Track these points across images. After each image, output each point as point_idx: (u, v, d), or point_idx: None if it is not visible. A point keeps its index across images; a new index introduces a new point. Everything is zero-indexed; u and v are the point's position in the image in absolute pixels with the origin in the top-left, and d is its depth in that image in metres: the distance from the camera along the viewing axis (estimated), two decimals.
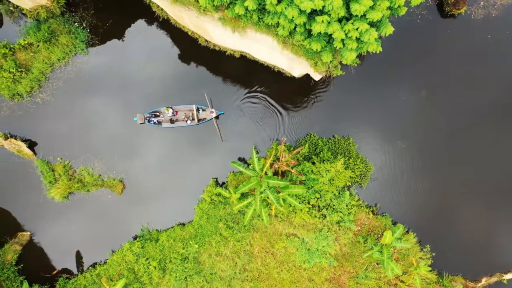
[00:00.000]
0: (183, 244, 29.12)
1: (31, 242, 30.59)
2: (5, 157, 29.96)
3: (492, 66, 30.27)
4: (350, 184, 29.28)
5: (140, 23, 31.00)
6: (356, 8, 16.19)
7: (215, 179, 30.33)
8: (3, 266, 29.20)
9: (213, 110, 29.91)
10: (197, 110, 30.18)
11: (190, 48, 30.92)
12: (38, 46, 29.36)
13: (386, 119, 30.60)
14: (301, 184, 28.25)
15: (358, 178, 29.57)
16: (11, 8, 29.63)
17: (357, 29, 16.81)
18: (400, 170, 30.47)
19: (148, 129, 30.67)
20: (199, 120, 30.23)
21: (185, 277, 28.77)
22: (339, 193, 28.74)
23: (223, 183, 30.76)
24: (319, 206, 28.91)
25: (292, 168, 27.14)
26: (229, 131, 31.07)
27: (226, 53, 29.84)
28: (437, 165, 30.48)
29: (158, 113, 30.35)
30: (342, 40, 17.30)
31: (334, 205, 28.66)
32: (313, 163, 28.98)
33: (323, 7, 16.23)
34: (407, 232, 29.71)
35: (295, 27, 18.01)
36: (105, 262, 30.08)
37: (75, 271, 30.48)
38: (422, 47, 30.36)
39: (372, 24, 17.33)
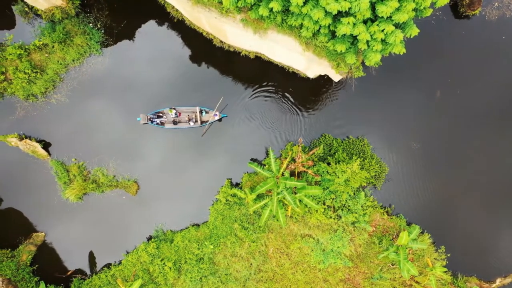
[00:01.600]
0: (198, 244, 29.14)
1: (45, 242, 30.60)
2: (20, 158, 29.93)
3: (507, 67, 30.27)
4: (365, 185, 29.29)
5: (155, 24, 31.01)
6: (382, 10, 16.20)
7: (229, 180, 30.31)
8: (18, 267, 29.22)
9: (216, 113, 29.91)
10: (200, 112, 30.13)
11: (204, 48, 30.93)
12: (53, 47, 29.36)
13: (400, 120, 30.62)
14: (317, 185, 28.29)
15: (372, 179, 29.57)
16: (26, 9, 29.64)
17: (382, 30, 16.84)
18: (414, 170, 30.48)
19: (162, 131, 30.65)
20: (202, 122, 30.18)
21: (200, 278, 28.79)
22: (354, 194, 28.75)
23: (237, 183, 30.77)
24: (334, 207, 28.93)
25: (307, 168, 27.15)
26: (240, 131, 31.06)
27: (241, 54, 29.85)
28: (451, 166, 30.50)
29: (161, 114, 30.31)
30: (367, 41, 17.32)
31: (349, 206, 28.68)
32: (328, 163, 29.01)
33: (350, 8, 16.25)
34: (422, 233, 29.71)
35: (319, 29, 18.02)
36: (120, 263, 30.09)
37: (89, 271, 30.49)
38: (436, 48, 30.35)
39: (396, 26, 17.34)
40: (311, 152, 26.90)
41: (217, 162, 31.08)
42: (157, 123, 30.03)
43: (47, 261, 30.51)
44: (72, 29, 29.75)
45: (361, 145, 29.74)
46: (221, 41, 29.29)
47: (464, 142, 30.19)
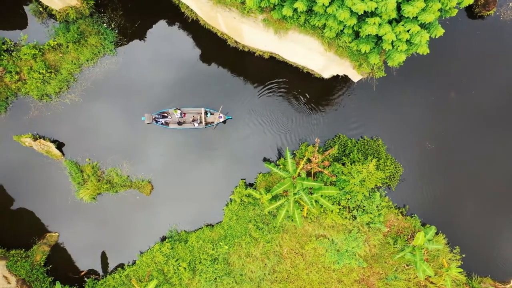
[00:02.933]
0: (212, 245, 29.11)
1: (58, 243, 30.57)
2: (34, 158, 29.89)
3: None
4: (380, 185, 29.25)
5: (168, 23, 30.95)
6: (409, 10, 16.16)
7: (243, 180, 30.27)
8: (32, 267, 29.20)
9: (221, 115, 29.91)
10: (205, 113, 30.06)
11: (217, 48, 30.88)
12: (67, 47, 29.32)
13: (414, 120, 30.58)
14: (332, 185, 28.24)
15: (387, 179, 29.53)
16: (40, 9, 29.58)
17: (408, 31, 16.80)
18: (429, 171, 30.45)
19: (173, 131, 30.56)
20: (206, 124, 30.10)
21: (215, 278, 28.76)
22: (369, 195, 28.70)
23: (251, 184, 30.72)
24: (349, 207, 28.89)
25: (323, 168, 27.10)
26: (252, 131, 31.01)
27: (255, 54, 29.81)
28: (466, 166, 30.44)
29: (166, 114, 30.23)
30: (392, 42, 17.28)
31: (364, 206, 28.63)
32: (343, 164, 28.97)
33: (376, 8, 16.22)
34: (437, 233, 29.63)
35: (343, 29, 17.98)
36: (134, 263, 30.07)
37: (102, 272, 30.45)
38: (451, 48, 30.30)
39: (421, 26, 17.30)
40: (326, 153, 26.86)
41: (229, 162, 31.05)
42: (162, 123, 29.96)
43: (60, 261, 30.49)
44: (86, 29, 29.70)
45: (376, 146, 29.70)
46: (235, 41, 29.25)
47: (479, 142, 30.15)
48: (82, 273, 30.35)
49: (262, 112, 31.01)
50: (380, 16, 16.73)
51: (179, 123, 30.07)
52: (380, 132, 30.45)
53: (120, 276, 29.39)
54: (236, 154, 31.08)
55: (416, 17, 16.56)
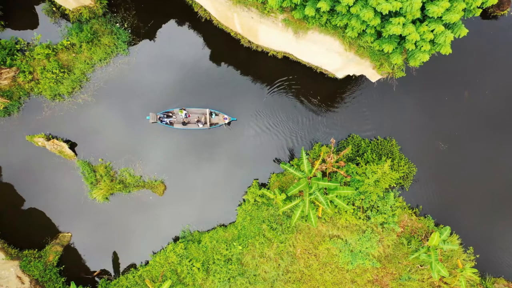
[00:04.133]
0: (226, 245, 29.06)
1: (70, 243, 30.51)
2: (47, 158, 29.84)
3: None
4: (394, 185, 29.19)
5: (181, 23, 30.90)
6: (433, 10, 16.11)
7: (257, 180, 30.20)
8: (46, 267, 29.15)
9: (226, 116, 29.93)
10: (210, 114, 30.02)
11: (229, 49, 30.87)
12: (80, 46, 29.26)
13: (427, 120, 30.51)
14: (346, 185, 28.18)
15: (401, 179, 29.48)
16: (54, 9, 29.52)
17: (432, 31, 16.75)
18: (442, 171, 30.38)
19: (182, 131, 30.49)
20: (211, 124, 30.08)
21: (229, 279, 28.70)
22: (383, 195, 28.64)
23: (263, 184, 30.65)
24: (362, 208, 28.83)
25: (338, 168, 27.04)
26: (262, 132, 30.97)
27: (269, 54, 29.74)
28: (478, 167, 30.35)
29: (171, 114, 30.18)
30: (415, 42, 17.23)
31: (378, 206, 28.57)
32: (357, 164, 28.92)
33: (400, 8, 16.16)
34: (450, 234, 29.56)
35: (365, 29, 17.92)
36: (147, 264, 30.01)
37: (115, 272, 30.39)
38: (464, 48, 30.20)
39: (445, 26, 17.23)
40: (342, 153, 26.78)
41: (240, 163, 30.95)
42: (166, 123, 29.90)
43: (72, 261, 30.45)
44: (99, 29, 29.65)
45: (389, 146, 29.64)
46: (249, 41, 29.18)
47: (493, 143, 30.07)
48: (95, 274, 30.30)
49: (273, 112, 30.97)
50: (404, 16, 16.67)
51: (184, 123, 30.05)
52: (393, 132, 30.39)
53: (133, 276, 29.34)
54: (247, 154, 30.99)
55: (441, 17, 16.50)
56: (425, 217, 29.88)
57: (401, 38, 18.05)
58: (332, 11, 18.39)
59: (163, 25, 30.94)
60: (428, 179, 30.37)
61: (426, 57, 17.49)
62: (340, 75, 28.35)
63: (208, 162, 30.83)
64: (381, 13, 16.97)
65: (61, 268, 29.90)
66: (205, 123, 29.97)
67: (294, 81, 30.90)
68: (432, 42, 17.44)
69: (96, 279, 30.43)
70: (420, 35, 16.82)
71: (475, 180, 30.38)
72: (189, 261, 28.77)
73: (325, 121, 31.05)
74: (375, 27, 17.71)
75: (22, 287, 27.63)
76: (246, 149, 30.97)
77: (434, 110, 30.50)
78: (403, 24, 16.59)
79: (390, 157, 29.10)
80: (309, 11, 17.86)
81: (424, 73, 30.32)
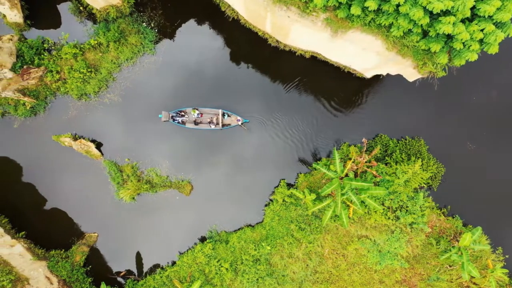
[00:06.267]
0: (254, 245, 28.93)
1: (96, 243, 30.41)
2: (73, 158, 29.74)
3: None
4: (423, 185, 29.08)
5: (208, 23, 30.76)
6: (485, 9, 16.00)
7: (284, 180, 30.08)
8: (73, 268, 29.03)
9: (239, 118, 29.86)
10: (223, 115, 29.91)
11: (256, 48, 30.70)
12: (107, 46, 29.12)
13: (455, 120, 30.39)
14: (376, 185, 28.05)
15: (429, 179, 29.37)
16: (81, 8, 29.39)
17: (482, 30, 16.64)
18: (469, 171, 30.24)
19: (212, 131, 30.41)
20: (223, 125, 29.97)
21: (257, 279, 28.58)
22: (413, 195, 28.52)
23: (289, 184, 30.51)
24: (391, 208, 28.71)
25: (369, 168, 26.93)
26: (287, 132, 30.87)
27: (296, 54, 29.59)
28: (505, 168, 30.24)
29: (183, 113, 30.05)
30: (462, 41, 17.12)
31: (407, 206, 28.45)
32: (386, 164, 28.81)
33: (452, 7, 16.05)
34: None
35: (411, 28, 17.80)
36: (174, 264, 29.90)
37: (142, 272, 30.30)
38: None
39: (494, 25, 17.11)
40: (373, 153, 26.67)
41: (265, 163, 30.79)
42: (179, 122, 29.78)
43: (98, 262, 30.35)
44: (126, 28, 29.51)
45: (418, 146, 29.51)
46: (277, 41, 29.03)
47: None
48: (121, 274, 30.19)
49: (295, 111, 30.82)
50: (454, 15, 16.56)
51: (196, 123, 29.92)
52: (421, 132, 30.26)
53: (161, 277, 29.23)
54: (269, 155, 30.75)
55: (491, 16, 16.39)
56: (453, 217, 29.77)
57: (448, 37, 17.93)
58: (377, 10, 18.27)
59: (189, 24, 30.81)
60: (455, 179, 30.21)
61: (474, 57, 17.38)
62: (369, 74, 28.23)
63: (231, 162, 30.69)
64: (429, 11, 16.84)
65: (88, 268, 29.78)
66: (217, 123, 29.85)
67: (318, 80, 30.78)
68: (480, 41, 17.32)
69: (119, 279, 30.31)
70: (470, 34, 16.71)
71: (502, 180, 30.24)
72: (217, 262, 28.65)
73: (350, 120, 30.92)
74: (421, 26, 17.59)
75: None
76: (267, 149, 30.79)
77: (461, 110, 30.36)
78: (453, 23, 16.47)
79: (418, 157, 28.98)
80: (355, 10, 17.75)
81: (452, 72, 30.26)
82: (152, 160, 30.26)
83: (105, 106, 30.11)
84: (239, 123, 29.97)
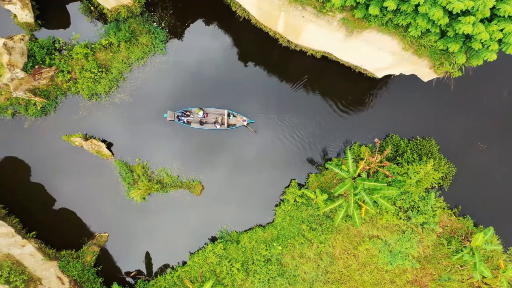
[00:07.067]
0: (265, 245, 28.92)
1: (107, 243, 30.39)
2: (84, 158, 29.72)
3: None
4: (435, 185, 29.05)
5: (218, 23, 30.74)
6: (505, 9, 15.97)
7: (295, 180, 30.06)
8: (84, 268, 29.02)
9: (245, 118, 29.85)
10: (228, 115, 29.91)
11: (266, 48, 30.72)
12: (118, 46, 29.11)
13: (465, 120, 30.36)
14: (388, 185, 28.01)
15: (440, 179, 29.34)
16: (91, 8, 29.36)
17: (501, 30, 16.62)
18: (480, 171, 30.23)
19: (218, 132, 30.42)
20: (228, 126, 29.98)
21: (268, 279, 28.56)
22: (424, 195, 28.50)
23: (299, 184, 30.47)
24: (403, 208, 28.69)
25: (382, 168, 26.91)
26: (296, 132, 30.86)
27: (307, 54, 29.57)
28: None
29: (189, 113, 30.04)
30: (481, 41, 17.10)
31: (419, 206, 28.42)
32: (397, 164, 28.79)
33: (472, 7, 16.03)
34: None
35: (429, 28, 17.78)
36: (184, 264, 29.88)
37: (152, 272, 30.28)
38: None
39: None
40: (385, 153, 26.64)
41: (275, 163, 30.78)
42: (184, 122, 29.78)
43: (108, 262, 30.33)
44: (137, 28, 29.49)
45: (429, 146, 29.48)
46: (288, 41, 29.00)
47: None
48: (131, 274, 30.17)
49: (303, 111, 30.80)
50: (474, 15, 16.54)
51: (201, 123, 29.92)
52: (432, 132, 30.23)
53: (172, 277, 29.21)
54: (278, 155, 30.69)
55: (511, 16, 16.36)
56: (464, 217, 29.74)
57: (466, 37, 17.91)
58: (395, 10, 18.24)
59: (199, 24, 30.79)
60: (466, 179, 30.19)
61: (493, 57, 17.36)
62: (380, 74, 28.20)
63: (240, 163, 30.65)
64: (448, 11, 16.82)
65: (99, 268, 29.76)
66: (223, 124, 29.85)
67: (327, 80, 30.79)
68: (499, 41, 17.30)
69: (128, 279, 30.30)
70: (489, 34, 16.69)
71: None
72: (229, 262, 28.62)
73: (360, 120, 30.90)
74: (439, 26, 17.57)
75: None
76: (276, 150, 30.74)
77: (472, 109, 30.34)
78: (473, 23, 16.45)
79: (430, 157, 28.96)
80: (373, 10, 17.72)
81: (468, 72, 30.24)
82: (163, 160, 30.23)
83: (116, 106, 30.09)
84: (245, 123, 29.95)
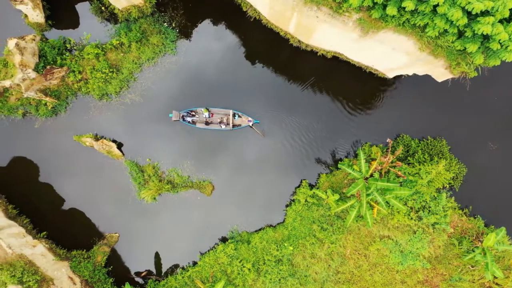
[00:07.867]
0: (276, 246, 28.91)
1: (117, 243, 30.39)
2: (94, 158, 29.72)
3: None
4: (446, 186, 29.04)
5: (229, 23, 30.71)
6: None
7: (306, 181, 30.05)
8: (94, 268, 29.02)
9: (250, 118, 29.83)
10: (233, 115, 29.89)
11: (276, 48, 30.67)
12: (129, 46, 29.09)
13: (475, 120, 30.35)
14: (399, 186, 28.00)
15: (451, 180, 29.33)
16: (102, 8, 29.35)
17: None
18: (491, 171, 30.20)
19: (223, 132, 30.42)
20: (233, 126, 29.96)
21: (279, 279, 28.56)
22: (435, 195, 28.49)
23: (310, 184, 30.45)
24: (414, 208, 28.67)
25: (394, 168, 26.91)
26: (307, 132, 30.85)
27: (318, 54, 29.55)
28: None
29: (194, 113, 30.03)
30: (500, 41, 17.09)
31: (430, 207, 28.41)
32: (408, 164, 28.78)
33: (492, 8, 16.02)
34: None
35: (447, 28, 17.77)
36: (195, 264, 29.88)
37: (162, 273, 30.28)
38: None
39: None
40: (396, 153, 26.63)
41: (286, 163, 30.76)
42: (189, 122, 29.76)
43: (118, 262, 30.33)
44: (148, 28, 29.48)
45: (440, 146, 29.47)
46: (299, 41, 28.99)
47: None
48: (143, 274, 30.16)
49: (312, 112, 30.77)
50: (493, 15, 16.53)
51: (207, 123, 29.91)
52: (443, 133, 30.22)
53: (183, 277, 29.21)
54: (285, 155, 30.63)
55: None
56: (475, 217, 29.73)
57: (484, 38, 17.90)
58: (413, 10, 18.22)
59: (210, 24, 30.77)
60: (477, 179, 30.16)
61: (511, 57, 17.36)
62: (391, 75, 28.19)
63: (250, 163, 30.61)
64: (467, 12, 16.82)
65: (109, 268, 29.76)
66: (228, 124, 29.83)
67: (338, 80, 30.76)
68: None
69: (137, 279, 30.29)
70: (508, 35, 16.68)
71: None
72: (240, 262, 28.62)
73: (370, 121, 30.86)
74: (457, 27, 17.56)
75: None
76: (285, 150, 30.65)
77: (482, 109, 30.32)
78: (492, 24, 16.44)
79: (441, 157, 28.95)
80: (391, 10, 17.71)
81: (484, 73, 30.22)
82: (173, 160, 30.22)
83: (126, 106, 30.09)
84: (250, 124, 29.93)
